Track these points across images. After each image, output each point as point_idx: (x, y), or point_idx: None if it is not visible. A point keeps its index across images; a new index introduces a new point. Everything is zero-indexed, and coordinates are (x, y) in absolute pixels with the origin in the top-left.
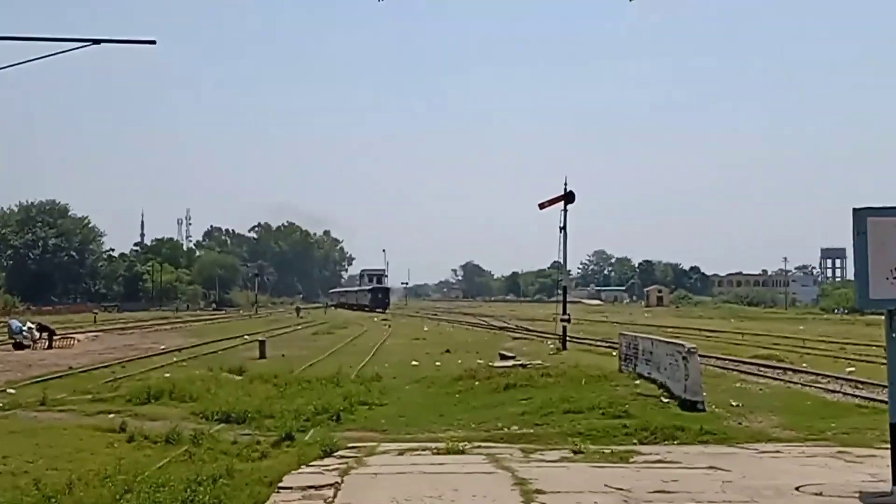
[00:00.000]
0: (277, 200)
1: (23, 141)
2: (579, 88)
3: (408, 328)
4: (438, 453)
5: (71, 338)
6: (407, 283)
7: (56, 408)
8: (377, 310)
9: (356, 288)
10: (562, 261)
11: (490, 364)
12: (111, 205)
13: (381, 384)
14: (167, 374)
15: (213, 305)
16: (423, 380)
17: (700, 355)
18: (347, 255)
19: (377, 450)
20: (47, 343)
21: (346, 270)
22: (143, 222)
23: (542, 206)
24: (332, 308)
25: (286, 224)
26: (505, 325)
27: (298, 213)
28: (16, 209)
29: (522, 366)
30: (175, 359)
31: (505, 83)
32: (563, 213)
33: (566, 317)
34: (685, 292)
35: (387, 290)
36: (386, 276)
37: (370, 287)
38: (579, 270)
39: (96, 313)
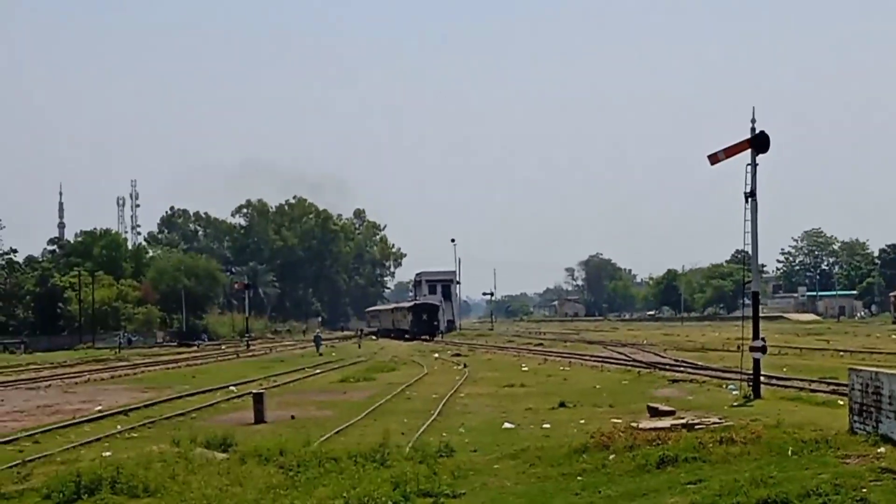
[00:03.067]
0: (257, 157)
1: None
2: None
3: (495, 367)
4: None
5: None
6: (492, 294)
7: None
8: (421, 337)
9: (392, 306)
10: (750, 250)
11: (634, 425)
12: (9, 182)
13: (455, 462)
14: (107, 453)
15: (180, 338)
16: (522, 453)
17: None
18: (393, 250)
19: None
20: None
21: (393, 275)
22: (61, 206)
23: (714, 158)
24: (372, 337)
25: (293, 201)
26: (657, 358)
27: (300, 180)
28: None
29: (688, 426)
30: (119, 427)
31: None
32: (749, 168)
33: (759, 343)
34: None
35: (434, 309)
36: (457, 283)
37: (410, 304)
38: (780, 265)
39: None
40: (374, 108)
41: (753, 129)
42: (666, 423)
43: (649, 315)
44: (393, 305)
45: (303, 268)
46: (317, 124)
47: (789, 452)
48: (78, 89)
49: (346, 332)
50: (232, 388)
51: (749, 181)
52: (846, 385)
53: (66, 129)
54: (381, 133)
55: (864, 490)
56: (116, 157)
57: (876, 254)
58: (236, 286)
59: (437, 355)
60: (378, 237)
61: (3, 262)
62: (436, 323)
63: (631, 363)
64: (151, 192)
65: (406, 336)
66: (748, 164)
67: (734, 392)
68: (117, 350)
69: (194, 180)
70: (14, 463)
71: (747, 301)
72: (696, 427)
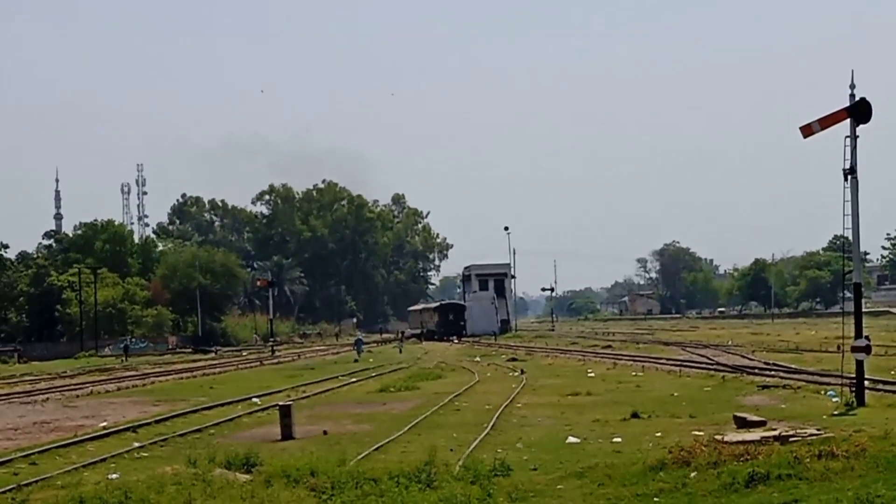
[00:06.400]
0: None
1: None
2: None
3: (557, 374)
4: None
5: None
6: (552, 290)
7: None
8: (449, 338)
9: (421, 306)
10: (850, 235)
11: (718, 438)
12: (0, 169)
13: (512, 482)
14: (114, 476)
15: (195, 343)
16: (589, 472)
17: None
18: (438, 240)
19: None
20: None
21: (438, 269)
22: (58, 194)
23: (807, 129)
24: (416, 340)
25: (322, 184)
26: (744, 361)
27: (302, 159)
28: None
29: (781, 439)
30: (130, 445)
31: None
32: (849, 141)
33: (862, 342)
34: None
35: (460, 309)
36: (511, 277)
37: (436, 304)
38: (886, 252)
39: None
40: (396, 74)
41: (853, 96)
42: (755, 435)
43: (720, 312)
44: (422, 306)
45: (334, 262)
46: (320, 94)
47: None
48: (74, 67)
49: (385, 335)
50: (255, 399)
51: (848, 156)
52: None
53: (63, 110)
54: (407, 100)
55: None
56: (119, 139)
57: None
58: (259, 283)
59: (478, 359)
60: (420, 226)
61: None
62: (462, 323)
63: (714, 367)
64: (161, 179)
65: (434, 337)
66: (847, 137)
67: (834, 399)
68: (123, 358)
69: (179, 161)
70: (9, 487)
71: (848, 294)
72: (791, 439)
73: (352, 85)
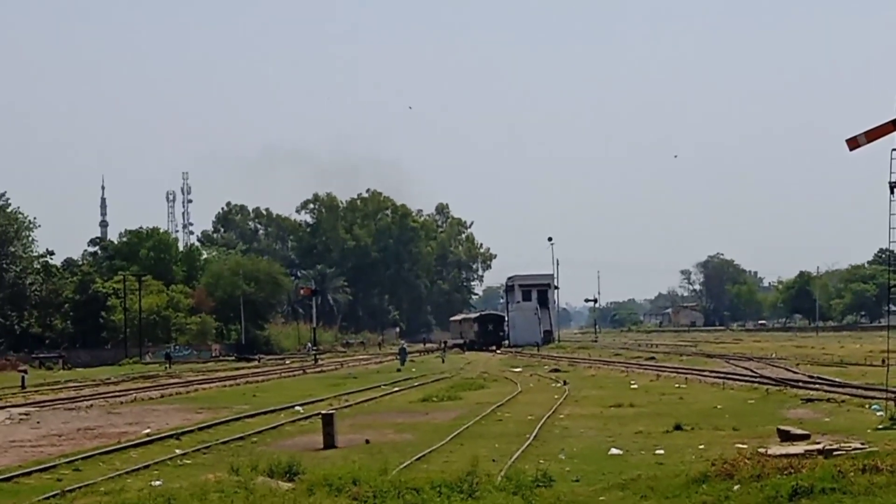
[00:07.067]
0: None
1: None
2: None
3: (599, 385)
4: None
5: None
6: (595, 301)
7: None
8: (489, 348)
9: (461, 317)
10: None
11: (762, 451)
12: (46, 175)
13: (554, 493)
14: (157, 483)
15: (238, 351)
16: (632, 483)
17: None
18: (482, 250)
19: None
20: None
21: (481, 279)
22: (104, 202)
23: (853, 142)
24: (459, 350)
25: (367, 194)
26: (788, 374)
27: (340, 168)
28: None
29: (825, 452)
30: (173, 452)
31: None
32: (895, 154)
33: None
34: None
35: (500, 319)
36: (555, 288)
37: (476, 315)
38: None
39: (25, 371)
40: (437, 86)
41: None
42: (799, 448)
43: (761, 324)
44: (462, 317)
45: (378, 271)
46: (362, 104)
47: None
48: (121, 77)
49: (428, 345)
50: (298, 408)
51: (895, 169)
52: None
53: (109, 118)
54: (450, 112)
55: None
56: (165, 147)
57: None
58: (302, 292)
59: (520, 369)
60: (464, 236)
61: (39, 266)
62: (501, 334)
63: (758, 380)
64: (205, 187)
65: (475, 347)
66: (893, 150)
67: (879, 413)
68: (167, 366)
69: (224, 170)
70: (52, 493)
71: (893, 308)
72: (835, 453)
73: (395, 96)
